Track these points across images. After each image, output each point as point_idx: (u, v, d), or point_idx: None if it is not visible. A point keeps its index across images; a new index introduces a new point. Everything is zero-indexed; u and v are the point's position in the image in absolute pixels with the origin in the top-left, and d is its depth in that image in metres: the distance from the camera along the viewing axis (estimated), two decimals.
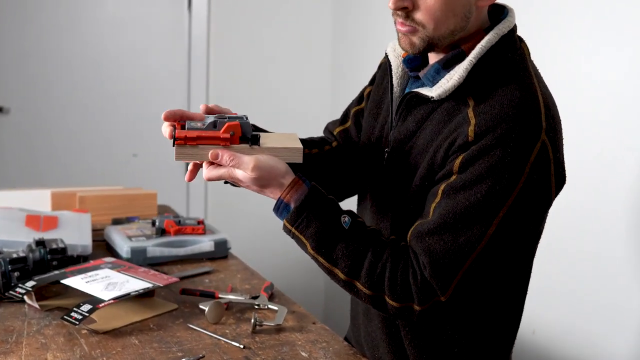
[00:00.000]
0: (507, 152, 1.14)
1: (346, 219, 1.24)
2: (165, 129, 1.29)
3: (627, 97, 1.88)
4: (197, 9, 3.44)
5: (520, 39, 1.29)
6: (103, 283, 1.51)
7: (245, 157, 1.21)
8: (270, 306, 1.56)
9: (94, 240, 1.91)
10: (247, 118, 1.27)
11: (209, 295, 1.61)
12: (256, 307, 1.57)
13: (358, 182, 1.51)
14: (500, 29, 1.24)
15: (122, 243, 1.86)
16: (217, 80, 3.56)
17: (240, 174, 1.22)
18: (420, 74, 1.30)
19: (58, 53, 3.44)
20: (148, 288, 1.51)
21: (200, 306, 1.53)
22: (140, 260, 1.82)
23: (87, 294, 1.46)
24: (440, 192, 1.19)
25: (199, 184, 3.57)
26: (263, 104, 3.57)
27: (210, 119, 1.27)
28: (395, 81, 1.38)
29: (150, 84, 3.55)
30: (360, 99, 1.57)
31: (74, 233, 1.88)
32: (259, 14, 3.56)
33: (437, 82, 1.26)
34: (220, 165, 1.24)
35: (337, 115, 1.64)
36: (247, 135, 1.25)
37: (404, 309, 1.21)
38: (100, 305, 1.40)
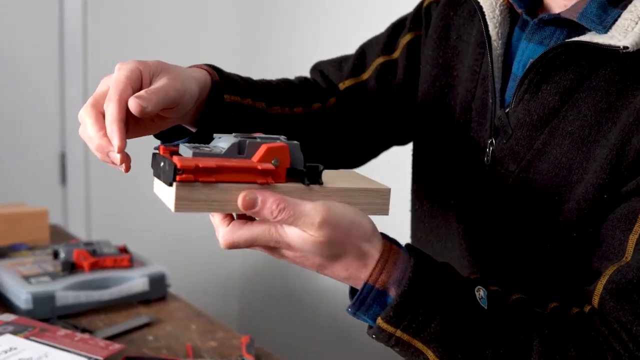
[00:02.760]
0: None
1: (481, 292, 0.74)
2: (98, 137, 0.69)
3: None
4: None
5: None
6: None
7: (306, 206, 0.67)
8: None
9: None
10: (287, 138, 0.73)
11: None
12: None
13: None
14: None
15: (18, 287, 1.28)
16: None
17: (294, 235, 0.67)
18: (568, 15, 0.80)
19: None
20: None
21: None
22: (47, 312, 1.26)
23: None
24: None
25: (78, 193, 2.90)
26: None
27: (228, 138, 0.71)
28: (492, 31, 0.87)
29: None
30: (391, 45, 1.05)
31: None
32: None
33: (612, 26, 0.76)
34: (253, 219, 0.70)
35: None
36: (298, 167, 0.71)
37: None
38: None
